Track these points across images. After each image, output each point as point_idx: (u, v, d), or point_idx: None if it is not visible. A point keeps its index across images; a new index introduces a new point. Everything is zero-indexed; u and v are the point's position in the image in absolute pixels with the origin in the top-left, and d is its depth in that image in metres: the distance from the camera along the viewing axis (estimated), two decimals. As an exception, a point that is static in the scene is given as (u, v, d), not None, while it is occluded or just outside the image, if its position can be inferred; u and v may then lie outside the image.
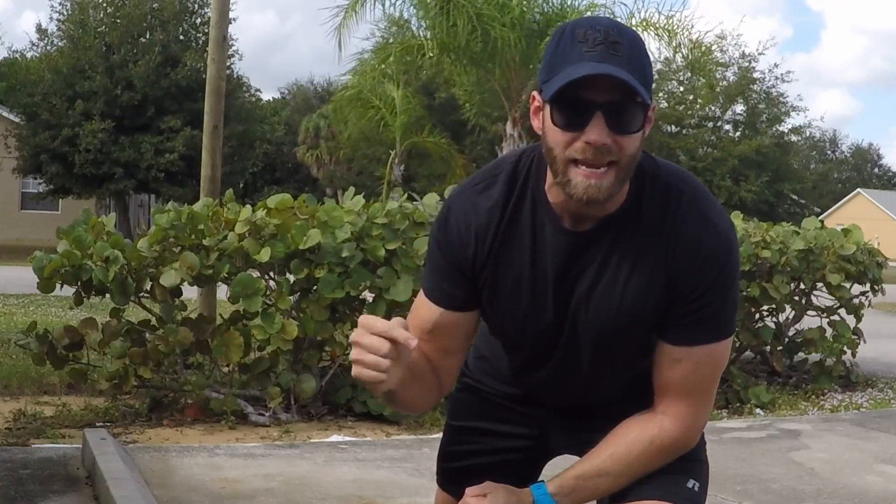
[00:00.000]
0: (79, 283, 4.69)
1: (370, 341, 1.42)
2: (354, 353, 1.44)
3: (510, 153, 1.65)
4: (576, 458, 1.70)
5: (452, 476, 1.87)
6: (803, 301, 6.67)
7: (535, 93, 1.53)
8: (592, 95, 1.43)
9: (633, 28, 12.97)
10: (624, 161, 1.47)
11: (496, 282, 1.62)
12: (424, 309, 1.68)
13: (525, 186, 1.61)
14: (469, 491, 1.62)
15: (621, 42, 1.44)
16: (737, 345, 6.39)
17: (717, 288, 1.55)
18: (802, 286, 6.61)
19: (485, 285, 1.63)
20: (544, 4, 13.36)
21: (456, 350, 1.70)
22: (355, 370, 1.44)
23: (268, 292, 4.80)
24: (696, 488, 1.66)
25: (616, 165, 1.46)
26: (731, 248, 1.57)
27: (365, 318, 1.45)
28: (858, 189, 56.68)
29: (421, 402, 1.69)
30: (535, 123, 1.54)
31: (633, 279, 1.56)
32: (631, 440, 1.60)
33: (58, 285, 4.70)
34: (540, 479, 1.72)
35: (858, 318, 6.74)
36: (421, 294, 1.71)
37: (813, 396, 6.30)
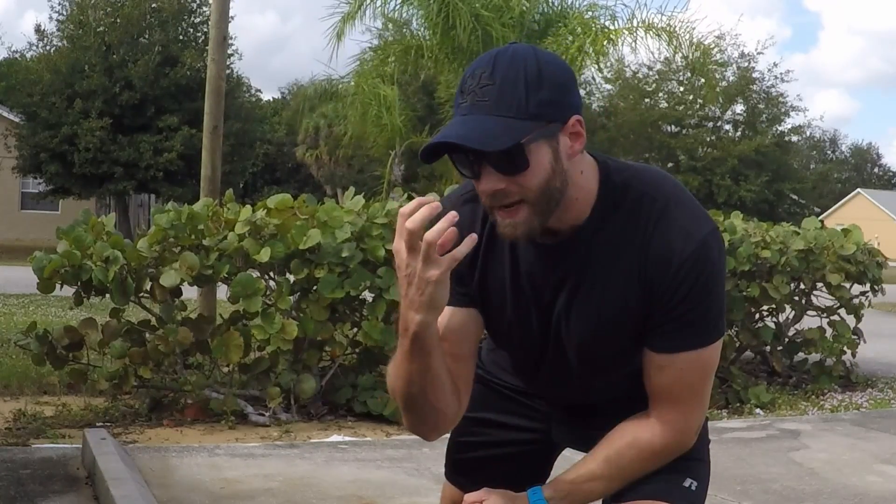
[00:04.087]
0: (79, 284, 4.69)
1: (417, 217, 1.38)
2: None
3: None
4: (582, 453, 1.71)
5: (461, 468, 1.89)
6: (803, 301, 6.67)
7: None
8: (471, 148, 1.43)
9: (633, 28, 12.94)
10: (532, 195, 1.45)
11: (484, 290, 1.65)
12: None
13: None
14: (467, 497, 1.63)
15: (492, 83, 1.42)
16: (737, 345, 6.39)
17: (696, 295, 1.53)
18: (802, 286, 6.61)
19: (476, 290, 1.66)
20: (544, 5, 13.34)
21: (468, 356, 1.68)
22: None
23: (268, 292, 4.80)
24: (693, 487, 1.66)
25: (524, 202, 1.46)
26: (709, 253, 1.54)
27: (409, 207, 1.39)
28: (858, 189, 56.69)
29: (443, 410, 1.61)
30: None
31: (609, 290, 1.56)
32: (623, 445, 1.61)
33: (58, 285, 4.70)
34: (544, 479, 1.73)
35: (858, 318, 6.74)
36: None
37: (813, 396, 6.30)
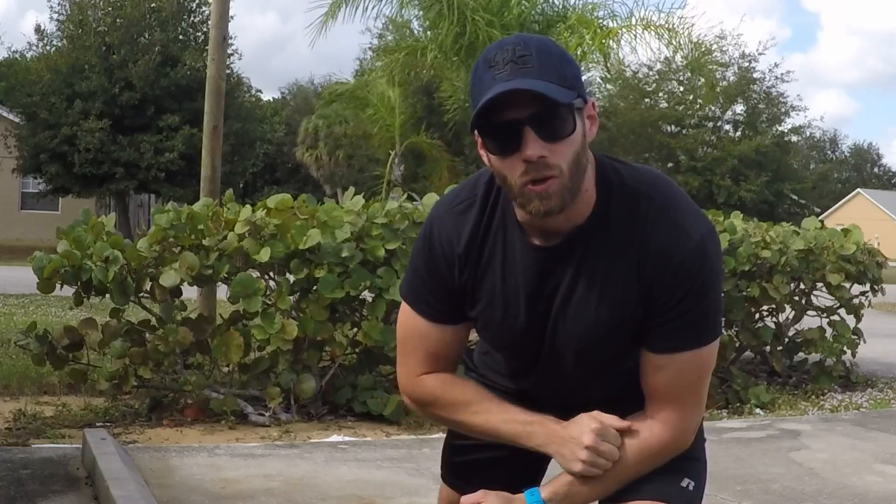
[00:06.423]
0: (79, 284, 4.69)
1: (608, 449, 1.57)
2: (587, 456, 1.56)
3: (487, 169, 1.63)
4: None
5: (457, 470, 1.90)
6: (803, 301, 6.67)
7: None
8: (515, 114, 1.44)
9: (633, 27, 12.97)
10: (566, 168, 1.47)
11: (474, 298, 1.66)
12: (418, 337, 1.72)
13: (496, 205, 1.63)
14: (464, 500, 1.63)
15: (529, 53, 1.45)
16: (737, 345, 6.39)
17: (694, 295, 1.53)
18: (802, 286, 6.61)
19: (465, 300, 1.67)
20: (544, 5, 13.34)
21: (457, 358, 1.77)
22: (585, 469, 1.57)
23: (268, 292, 4.80)
24: (690, 487, 1.66)
25: (562, 171, 1.47)
26: (707, 253, 1.54)
27: (602, 426, 1.58)
28: (858, 189, 56.72)
29: None
30: (484, 158, 1.55)
31: (606, 291, 1.56)
32: (623, 445, 1.60)
33: (58, 285, 4.70)
34: (540, 480, 1.73)
35: (858, 318, 6.73)
36: (408, 320, 1.73)
37: (813, 396, 6.30)
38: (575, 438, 1.57)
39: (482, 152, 1.53)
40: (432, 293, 1.68)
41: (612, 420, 1.59)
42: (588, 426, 1.57)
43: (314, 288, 4.82)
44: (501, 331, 1.66)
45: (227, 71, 10.08)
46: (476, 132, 1.50)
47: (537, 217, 1.50)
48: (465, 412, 1.68)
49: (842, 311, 6.71)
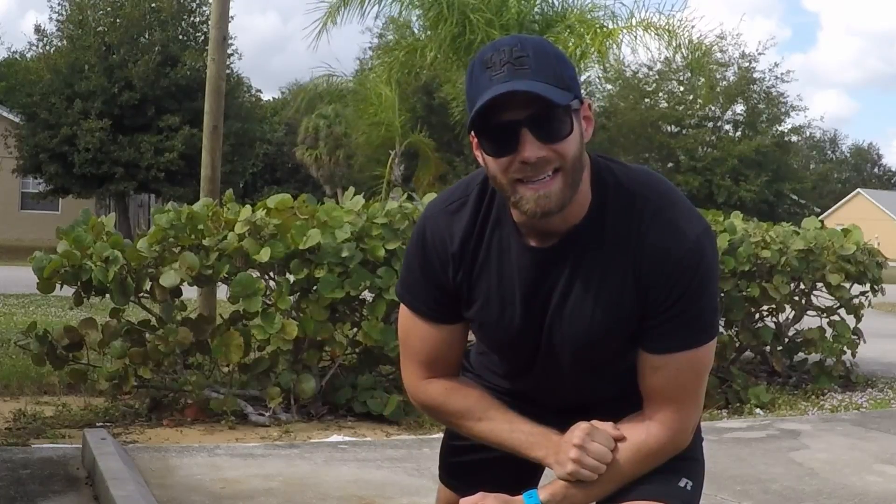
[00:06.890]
0: (79, 284, 4.69)
1: (597, 449, 1.57)
2: (577, 454, 1.56)
3: (481, 170, 1.63)
4: None
5: (454, 471, 1.89)
6: (803, 301, 6.67)
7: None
8: (512, 115, 1.44)
9: (633, 28, 12.95)
10: (568, 164, 1.47)
11: (469, 298, 1.66)
12: (418, 339, 1.72)
13: (491, 206, 1.63)
14: (463, 501, 1.63)
15: (525, 55, 1.45)
16: (737, 345, 6.39)
17: (691, 295, 1.53)
18: (802, 286, 6.61)
19: (461, 300, 1.67)
20: (543, 4, 13.32)
21: (458, 360, 1.77)
22: (576, 469, 1.56)
23: (268, 292, 4.80)
24: (688, 487, 1.66)
25: (561, 170, 1.47)
26: (703, 253, 1.54)
27: (592, 427, 1.58)
28: (858, 189, 56.75)
29: None
30: (479, 159, 1.55)
31: (603, 292, 1.56)
32: (619, 447, 1.60)
33: (58, 285, 4.70)
34: (537, 481, 1.73)
35: (858, 318, 6.74)
36: (407, 321, 1.73)
37: (813, 396, 6.29)
38: (566, 441, 1.59)
39: (478, 153, 1.53)
40: (427, 292, 1.68)
41: (606, 426, 1.60)
42: (578, 427, 1.59)
43: (314, 288, 4.82)
44: (497, 332, 1.66)
45: (227, 71, 10.08)
46: (472, 133, 1.50)
47: (535, 218, 1.50)
48: (469, 420, 1.69)
49: (842, 311, 6.71)
